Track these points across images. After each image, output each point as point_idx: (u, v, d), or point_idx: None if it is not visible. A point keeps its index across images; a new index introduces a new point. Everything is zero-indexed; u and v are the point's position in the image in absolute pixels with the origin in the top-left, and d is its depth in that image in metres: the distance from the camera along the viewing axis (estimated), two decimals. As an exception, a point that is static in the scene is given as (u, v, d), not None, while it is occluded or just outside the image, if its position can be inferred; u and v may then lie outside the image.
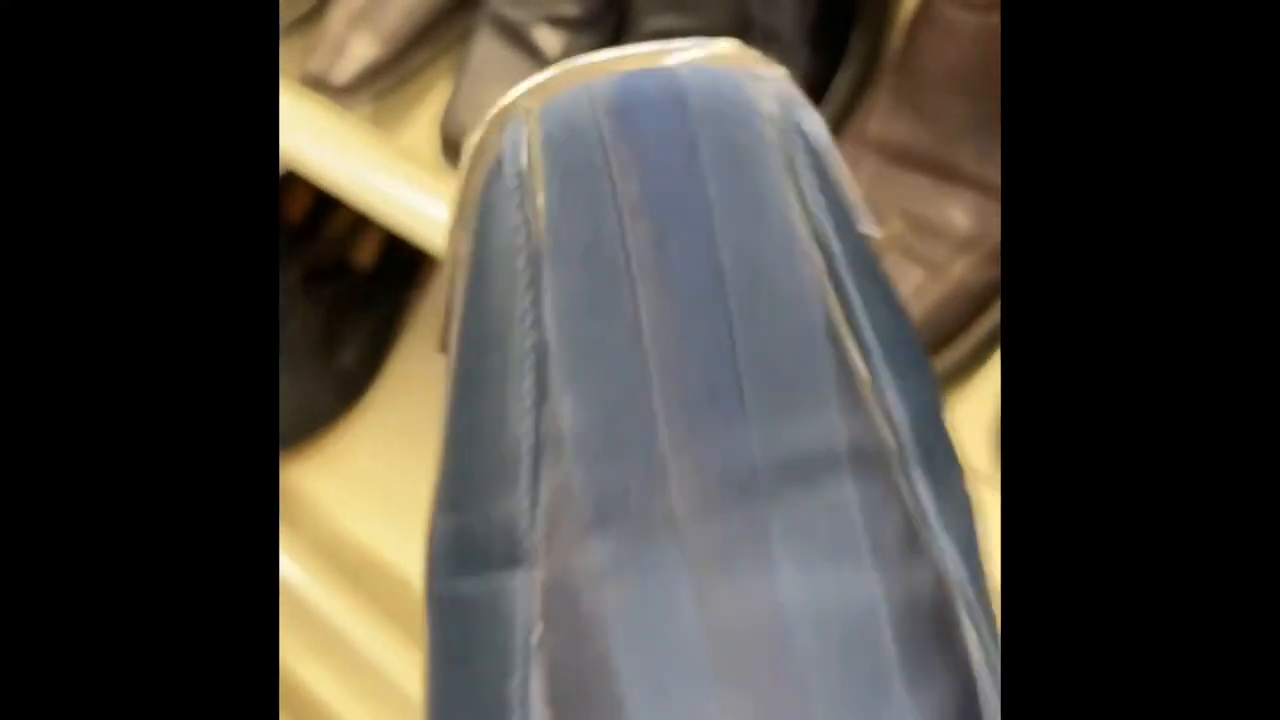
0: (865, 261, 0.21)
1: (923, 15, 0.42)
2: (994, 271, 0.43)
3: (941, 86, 0.42)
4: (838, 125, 0.49)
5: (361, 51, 0.59)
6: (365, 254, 0.70)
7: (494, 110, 0.20)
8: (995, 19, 0.40)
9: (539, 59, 0.55)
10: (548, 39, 0.55)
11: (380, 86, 0.60)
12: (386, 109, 0.62)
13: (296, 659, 0.61)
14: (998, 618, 0.21)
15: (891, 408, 0.20)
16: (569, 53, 0.54)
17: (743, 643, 0.18)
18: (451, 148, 0.57)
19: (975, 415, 0.44)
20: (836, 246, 0.20)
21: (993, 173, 0.42)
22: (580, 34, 0.54)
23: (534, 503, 0.19)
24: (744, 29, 0.47)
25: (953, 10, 0.41)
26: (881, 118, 0.45)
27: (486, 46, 0.57)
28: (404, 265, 0.70)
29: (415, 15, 0.60)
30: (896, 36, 0.50)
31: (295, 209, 0.70)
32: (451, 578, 0.21)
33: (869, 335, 0.20)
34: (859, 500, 0.19)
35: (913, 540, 0.20)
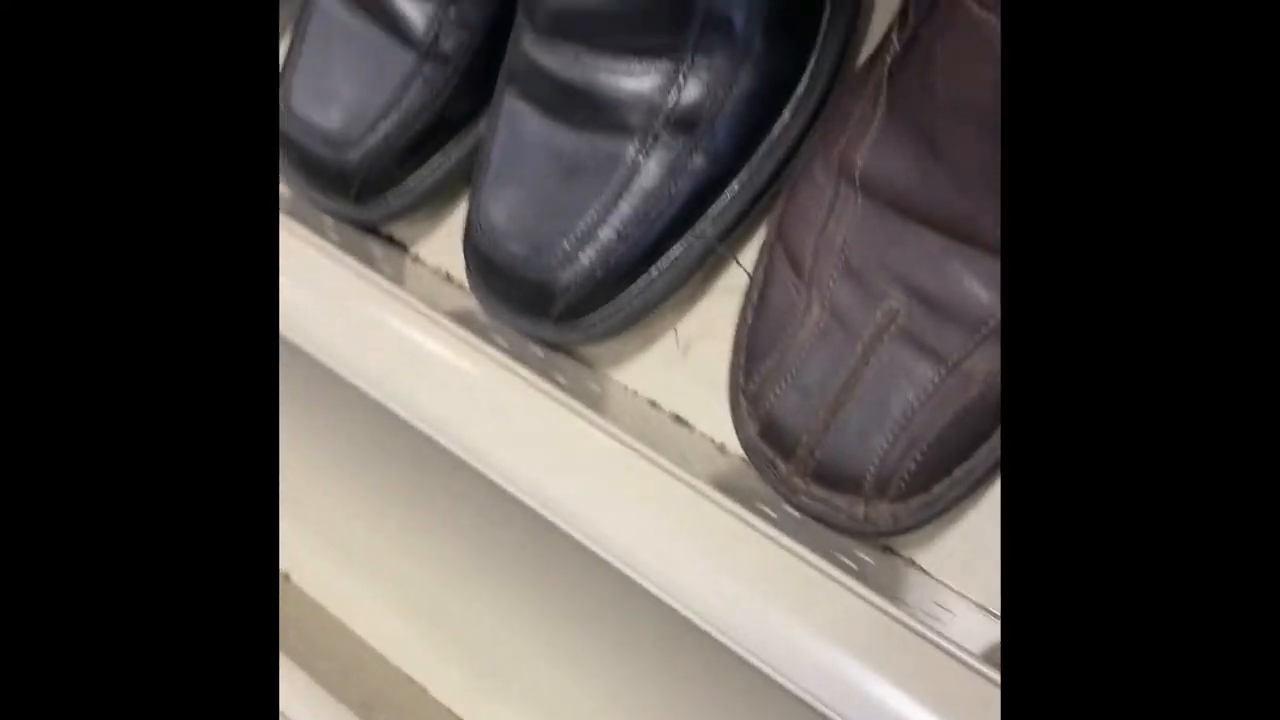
0: None
1: (943, 16, 0.30)
2: (1024, 364, 0.32)
3: (961, 115, 0.30)
4: (800, 142, 0.37)
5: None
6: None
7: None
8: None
9: (400, 35, 0.41)
10: (410, 10, 0.41)
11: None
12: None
13: None
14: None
15: None
16: (439, 28, 0.41)
17: None
18: (289, 146, 0.43)
19: (986, 545, 0.34)
20: None
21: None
22: (454, 2, 0.40)
23: None
24: (684, 15, 0.35)
25: (985, 12, 0.29)
26: (874, 148, 0.33)
27: (328, 9, 0.43)
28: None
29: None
30: (874, 25, 0.38)
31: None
32: None
33: None
34: None
35: None
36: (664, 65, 0.36)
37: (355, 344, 0.43)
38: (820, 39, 0.37)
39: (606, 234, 0.37)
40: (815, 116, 0.37)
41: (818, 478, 0.32)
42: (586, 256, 0.37)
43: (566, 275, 0.37)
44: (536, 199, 0.38)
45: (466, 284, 0.45)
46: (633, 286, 0.37)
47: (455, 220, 0.46)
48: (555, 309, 0.37)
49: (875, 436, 0.31)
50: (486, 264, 0.38)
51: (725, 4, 0.35)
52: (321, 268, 0.43)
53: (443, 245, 0.46)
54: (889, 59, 0.33)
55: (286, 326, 0.43)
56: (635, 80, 0.36)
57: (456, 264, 0.46)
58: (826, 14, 0.37)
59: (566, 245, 0.37)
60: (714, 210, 0.37)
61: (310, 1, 0.43)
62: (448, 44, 0.41)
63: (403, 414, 0.41)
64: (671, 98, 0.36)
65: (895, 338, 0.32)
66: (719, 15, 0.35)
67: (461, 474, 0.41)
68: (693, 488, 0.36)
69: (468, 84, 0.41)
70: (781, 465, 0.33)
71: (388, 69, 0.41)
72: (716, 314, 0.40)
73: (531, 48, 0.38)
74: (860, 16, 0.38)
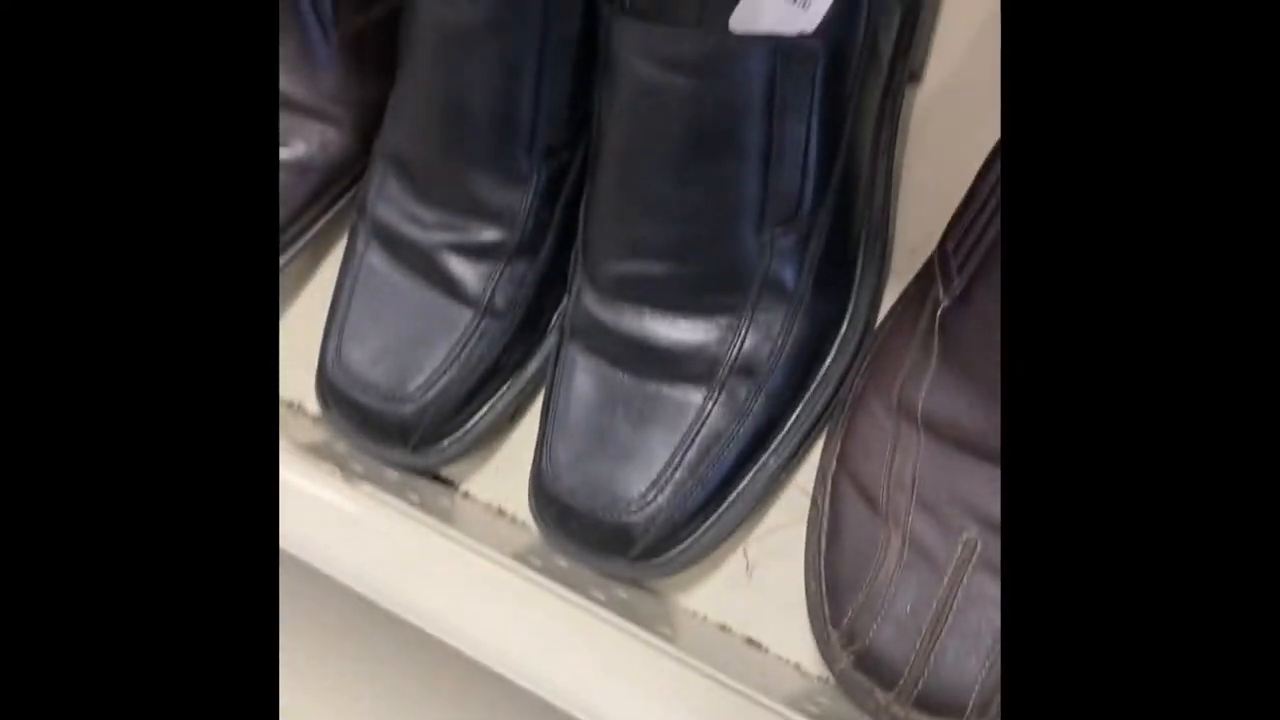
0: None
1: (997, 277, 0.34)
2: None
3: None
4: (845, 375, 0.41)
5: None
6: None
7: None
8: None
9: (455, 294, 0.43)
10: (462, 269, 0.44)
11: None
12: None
13: None
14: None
15: None
16: (494, 286, 0.43)
17: None
18: (341, 401, 0.45)
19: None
20: None
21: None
22: (508, 264, 0.43)
23: None
24: (743, 279, 0.38)
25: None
26: (933, 390, 0.36)
27: (376, 269, 0.45)
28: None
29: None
30: (895, 272, 0.42)
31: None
32: None
33: None
34: None
35: None
36: (725, 321, 0.39)
37: (410, 582, 0.44)
38: (856, 285, 0.41)
39: (680, 476, 0.39)
40: (857, 352, 0.41)
41: (919, 705, 0.34)
42: (663, 498, 0.39)
43: (644, 517, 0.39)
44: (607, 447, 0.40)
45: (518, 519, 0.47)
46: (706, 521, 0.40)
47: (501, 456, 0.48)
48: (634, 550, 0.39)
49: (972, 663, 0.34)
50: (563, 510, 0.40)
51: (780, 266, 0.38)
52: (375, 510, 0.44)
53: (491, 481, 0.48)
54: (939, 309, 0.37)
55: (332, 564, 0.44)
56: (699, 335, 0.39)
57: (507, 499, 0.47)
58: (860, 264, 0.41)
59: (643, 489, 0.39)
60: (774, 443, 0.40)
61: (353, 260, 0.46)
62: (501, 300, 0.43)
63: (462, 647, 0.42)
64: (734, 350, 0.39)
65: (978, 568, 0.35)
66: (774, 277, 0.38)
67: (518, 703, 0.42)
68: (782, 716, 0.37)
69: (521, 332, 0.44)
70: (881, 695, 0.35)
71: (444, 326, 0.43)
72: (779, 535, 0.42)
73: (594, 306, 0.40)
74: (886, 262, 0.42)
